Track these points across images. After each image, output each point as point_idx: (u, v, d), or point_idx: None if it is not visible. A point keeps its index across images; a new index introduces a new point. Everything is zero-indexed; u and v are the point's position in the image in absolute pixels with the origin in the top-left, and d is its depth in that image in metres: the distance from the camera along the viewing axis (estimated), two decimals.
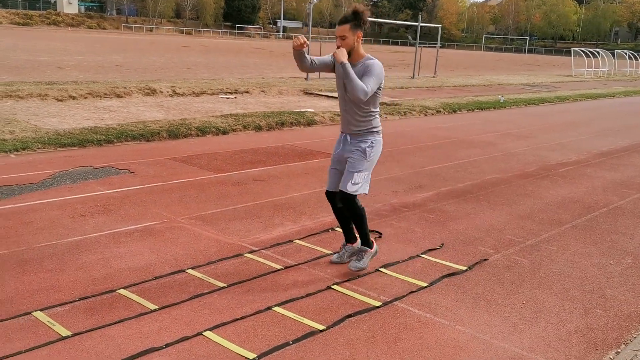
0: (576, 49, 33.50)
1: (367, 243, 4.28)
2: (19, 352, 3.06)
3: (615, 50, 38.35)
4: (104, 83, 14.64)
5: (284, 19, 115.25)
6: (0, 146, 7.67)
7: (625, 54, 38.23)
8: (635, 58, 37.89)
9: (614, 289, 4.29)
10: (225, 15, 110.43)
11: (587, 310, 3.93)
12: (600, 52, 34.98)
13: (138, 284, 3.97)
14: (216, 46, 47.77)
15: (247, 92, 15.93)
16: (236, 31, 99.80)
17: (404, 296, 3.98)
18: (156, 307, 3.64)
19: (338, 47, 3.92)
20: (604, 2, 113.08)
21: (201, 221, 5.36)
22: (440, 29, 26.48)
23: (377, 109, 4.13)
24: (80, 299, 3.70)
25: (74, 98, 12.58)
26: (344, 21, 3.96)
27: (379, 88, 4.00)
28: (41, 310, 3.53)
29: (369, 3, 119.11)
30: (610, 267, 4.74)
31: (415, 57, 23.24)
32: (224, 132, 10.03)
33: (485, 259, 4.74)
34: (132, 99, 13.32)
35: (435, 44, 26.24)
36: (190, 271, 4.22)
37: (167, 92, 14.47)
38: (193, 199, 6.03)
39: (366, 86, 3.83)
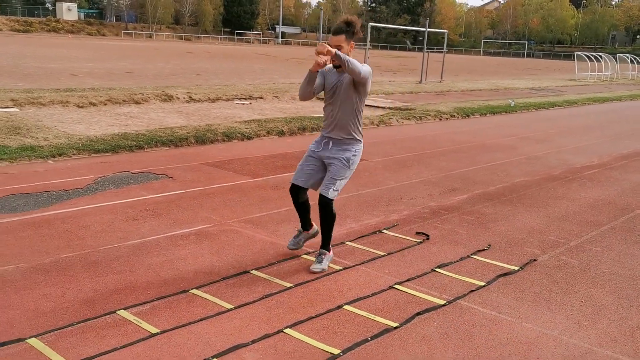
0: (579, 53, 33.75)
1: (327, 247, 4.46)
2: (115, 349, 3.18)
3: (617, 55, 38.65)
4: (121, 89, 14.77)
5: (282, 25, 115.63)
6: (38, 152, 7.78)
7: (627, 57, 38.51)
8: (637, 62, 38.16)
9: None
10: (225, 21, 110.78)
11: None
12: (603, 56, 35.25)
13: (208, 284, 4.09)
14: (219, 52, 47.96)
15: (261, 97, 16.09)
16: (235, 37, 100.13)
17: (465, 295, 4.11)
18: (232, 306, 3.76)
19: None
20: (601, 6, 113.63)
21: (251, 224, 5.48)
22: (446, 34, 26.68)
23: (361, 117, 4.32)
24: (158, 299, 3.82)
25: (94, 105, 12.71)
26: (339, 31, 4.08)
27: (366, 94, 4.25)
28: (124, 309, 3.65)
29: (367, 8, 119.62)
30: None
31: (423, 62, 23.41)
32: (249, 138, 10.16)
33: (535, 260, 4.87)
34: (150, 105, 13.45)
35: (438, 48, 26.44)
36: (254, 272, 4.35)
37: (184, 98, 14.61)
38: (237, 203, 6.15)
39: (363, 67, 4.03)
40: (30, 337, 3.27)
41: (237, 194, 6.52)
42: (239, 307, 3.76)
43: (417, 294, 4.09)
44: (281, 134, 10.73)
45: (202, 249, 4.77)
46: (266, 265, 4.50)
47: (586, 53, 34.83)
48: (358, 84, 4.14)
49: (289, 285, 4.14)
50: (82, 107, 12.41)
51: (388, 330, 3.55)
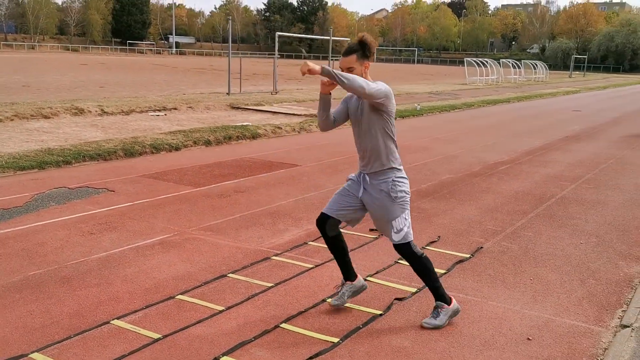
0: (469, 59, 36.03)
1: (441, 297, 3.77)
2: (123, 356, 3.23)
3: (501, 60, 41.58)
4: (26, 104, 14.08)
5: (175, 35, 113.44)
6: None
7: (509, 62, 41.53)
8: (518, 66, 41.26)
9: (594, 263, 5.05)
10: (114, 31, 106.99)
11: (582, 280, 4.63)
12: (489, 61, 37.81)
13: (191, 289, 4.18)
14: (114, 63, 46.37)
15: (175, 108, 15.91)
16: (127, 47, 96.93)
17: None
18: (222, 307, 3.90)
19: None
20: (480, 15, 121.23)
21: (210, 231, 5.58)
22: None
23: (395, 142, 3.73)
24: (147, 307, 3.87)
25: (0, 121, 12.06)
26: (350, 52, 3.62)
27: (390, 116, 3.65)
28: (117, 318, 3.68)
29: (261, 17, 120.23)
30: (582, 245, 5.52)
31: None
32: (177, 149, 10.12)
33: (481, 247, 5.36)
34: (61, 120, 12.97)
35: (336, 57, 27.21)
36: (231, 275, 4.48)
37: (96, 111, 14.19)
38: (189, 212, 6.21)
39: (365, 84, 3.42)
40: (32, 352, 3.24)
41: (186, 203, 6.56)
42: (230, 307, 3.90)
43: (389, 284, 4.41)
44: (208, 143, 10.76)
45: (171, 257, 4.83)
46: (240, 268, 4.64)
47: (474, 59, 37.19)
48: (378, 106, 3.57)
49: (269, 284, 4.32)
50: None
51: (375, 317, 3.84)
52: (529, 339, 3.62)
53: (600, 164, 10.03)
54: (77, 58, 55.20)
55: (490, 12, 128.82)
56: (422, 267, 3.74)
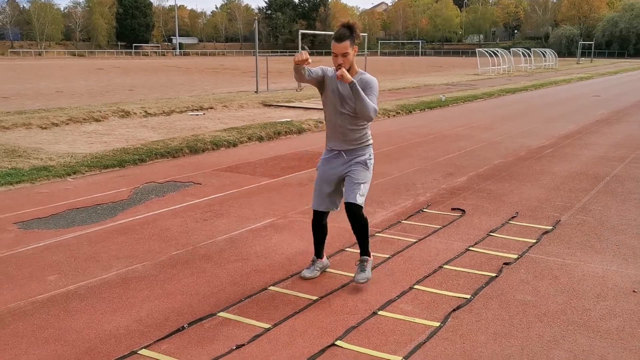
0: (480, 49, 36.40)
1: (368, 252, 4.31)
2: (293, 314, 3.78)
3: (511, 49, 41.97)
4: (76, 109, 14.64)
5: (179, 36, 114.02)
6: (53, 172, 7.93)
7: (519, 51, 41.93)
8: (529, 55, 41.67)
9: None
10: (119, 35, 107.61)
11: None
12: (500, 51, 38.23)
13: (329, 257, 4.72)
14: (128, 67, 46.94)
15: (211, 107, 16.45)
16: (132, 50, 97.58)
17: (527, 250, 5.01)
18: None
19: (339, 66, 3.86)
20: (482, 5, 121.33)
21: (309, 215, 6.11)
22: (366, 37, 28.03)
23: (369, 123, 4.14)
24: (292, 275, 4.43)
25: (56, 125, 12.64)
26: (343, 37, 3.83)
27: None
28: (274, 285, 4.24)
29: (264, 15, 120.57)
30: None
31: None
32: (234, 145, 10.66)
33: (559, 220, 5.90)
34: (111, 122, 13.53)
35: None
36: (349, 249, 5.03)
37: (140, 113, 14.75)
38: (279, 199, 6.75)
39: (374, 104, 3.88)
40: (219, 312, 3.80)
41: (273, 192, 7.11)
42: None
43: (492, 252, 4.95)
44: (260, 139, 11.30)
45: (287, 237, 5.38)
46: (354, 243, 5.18)
47: (485, 49, 37.61)
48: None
49: (387, 255, 4.86)
50: (45, 128, 12.32)
51: (491, 279, 4.37)
52: (634, 291, 4.16)
53: None
54: (88, 63, 55.81)
55: (491, 0, 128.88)
56: (365, 227, 4.20)
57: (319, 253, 4.47)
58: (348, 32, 3.85)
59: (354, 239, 5.23)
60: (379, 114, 15.14)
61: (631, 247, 5.09)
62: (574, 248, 5.07)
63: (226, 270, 4.56)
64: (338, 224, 5.75)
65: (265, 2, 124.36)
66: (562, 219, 5.93)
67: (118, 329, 3.61)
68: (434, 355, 3.29)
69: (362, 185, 4.08)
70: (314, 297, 4.04)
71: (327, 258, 4.67)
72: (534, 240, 5.26)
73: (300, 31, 21.94)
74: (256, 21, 20.09)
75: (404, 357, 3.25)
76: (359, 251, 4.36)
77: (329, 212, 4.37)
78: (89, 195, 6.93)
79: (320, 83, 4.08)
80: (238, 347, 3.37)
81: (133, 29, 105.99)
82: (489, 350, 3.34)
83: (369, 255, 4.31)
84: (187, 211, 6.26)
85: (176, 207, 6.43)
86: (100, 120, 13.56)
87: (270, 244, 5.19)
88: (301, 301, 4.00)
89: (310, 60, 3.75)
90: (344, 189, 4.18)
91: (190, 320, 3.69)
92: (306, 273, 4.41)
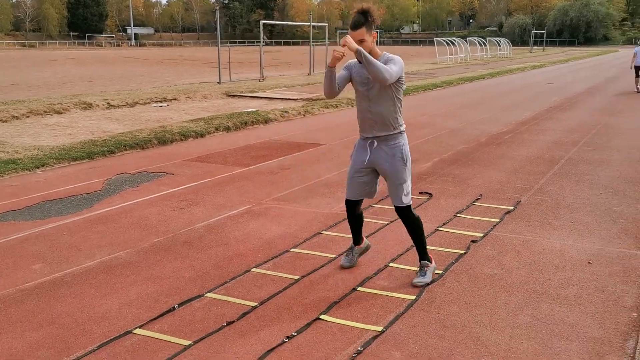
0: (438, 39, 37.05)
1: (426, 256, 4.21)
2: (277, 293, 3.99)
3: (468, 38, 42.81)
4: (36, 101, 14.43)
5: (134, 26, 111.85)
6: (21, 165, 7.90)
7: (475, 40, 42.81)
8: (484, 44, 42.58)
9: (618, 207, 6.00)
10: (70, 25, 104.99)
11: (614, 220, 5.57)
12: (457, 40, 38.97)
13: (299, 244, 4.95)
14: (84, 58, 45.97)
15: (175, 99, 16.42)
16: (86, 41, 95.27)
17: (491, 229, 5.34)
18: (335, 255, 4.68)
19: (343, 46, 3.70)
20: None
21: (283, 201, 6.33)
22: (326, 27, 28.22)
23: (401, 107, 4.00)
24: (273, 258, 4.63)
25: (17, 118, 12.48)
26: (358, 25, 3.76)
27: (401, 82, 3.91)
28: (256, 267, 4.44)
29: (221, 5, 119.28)
30: (602, 195, 6.48)
31: (310, 55, 24.73)
32: (202, 135, 10.75)
33: (520, 201, 6.26)
34: (73, 114, 13.42)
35: (294, 41, 27.85)
36: (325, 232, 5.27)
37: (103, 105, 14.64)
38: (252, 188, 6.93)
39: (390, 68, 3.70)
40: (206, 293, 3.99)
41: (245, 181, 7.27)
42: (339, 256, 4.69)
43: (459, 232, 5.26)
44: (228, 129, 11.42)
45: (265, 223, 5.57)
46: (330, 227, 5.42)
47: (443, 38, 38.27)
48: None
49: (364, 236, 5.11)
50: (5, 121, 12.14)
51: (460, 256, 4.67)
52: (589, 262, 4.52)
53: (591, 130, 11.08)
54: (41, 54, 54.36)
55: None
56: (419, 227, 4.13)
57: (356, 240, 4.45)
58: (363, 18, 3.76)
59: (330, 221, 5.49)
60: (343, 102, 15.40)
61: (585, 224, 5.47)
62: (533, 226, 5.43)
63: (208, 255, 4.73)
64: (313, 209, 5.98)
65: None
66: (522, 200, 6.30)
67: (110, 311, 3.75)
68: (412, 324, 3.56)
69: (403, 185, 3.99)
70: (296, 277, 4.26)
71: (306, 240, 4.88)
72: (498, 220, 5.59)
73: (262, 21, 21.96)
74: (217, 11, 20.03)
75: (384, 327, 3.51)
76: (336, 234, 4.59)
77: (361, 200, 4.26)
78: (62, 187, 6.97)
79: (348, 80, 4.00)
80: (229, 323, 3.57)
81: (85, 19, 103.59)
82: (461, 319, 3.62)
83: (429, 261, 4.19)
84: (164, 200, 6.38)
85: (152, 196, 6.54)
86: (62, 113, 13.42)
87: (249, 230, 5.38)
88: (284, 281, 4.21)
89: (344, 53, 3.70)
90: (388, 191, 4.14)
91: (179, 302, 3.87)
92: (344, 262, 4.40)
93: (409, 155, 4.04)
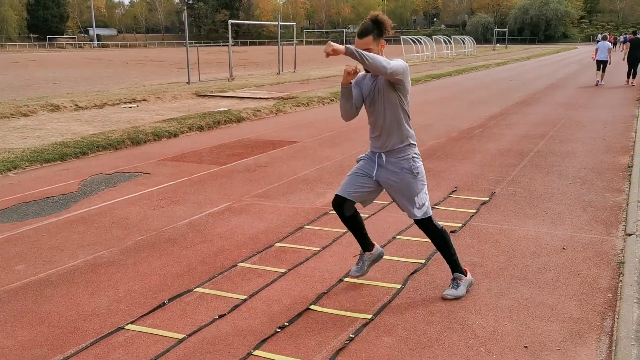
0: (405, 37, 37.47)
1: (459, 268, 3.91)
2: (265, 286, 4.06)
3: (433, 36, 43.34)
4: (2, 104, 14.13)
5: (96, 27, 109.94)
6: None
7: (441, 39, 43.38)
8: (449, 42, 43.18)
9: (587, 196, 6.23)
10: (30, 26, 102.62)
11: (584, 208, 5.78)
12: (423, 38, 39.45)
13: (283, 239, 5.02)
14: (47, 60, 45.05)
15: (144, 100, 16.27)
16: (47, 43, 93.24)
17: (469, 219, 5.50)
18: (319, 248, 4.77)
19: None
20: None
21: (263, 198, 6.39)
22: (294, 26, 28.28)
23: (409, 119, 3.81)
24: (258, 253, 4.69)
25: None
26: (365, 33, 3.59)
27: (407, 92, 3.73)
28: (242, 262, 4.49)
29: (185, 5, 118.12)
30: (571, 185, 6.71)
31: (279, 55, 24.77)
32: (175, 135, 10.71)
33: (494, 192, 6.44)
34: (40, 117, 13.21)
35: (261, 41, 27.87)
36: (308, 227, 5.34)
37: (71, 106, 14.43)
38: (231, 185, 6.96)
39: (386, 62, 3.44)
40: (195, 287, 4.03)
41: (223, 179, 7.30)
42: (325, 247, 4.77)
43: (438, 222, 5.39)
44: (200, 128, 11.39)
45: (246, 219, 5.62)
46: (311, 221, 5.49)
47: (411, 37, 38.71)
48: (396, 83, 3.61)
49: (343, 230, 5.20)
50: None
51: (435, 252, 4.80)
52: (564, 248, 4.71)
53: (556, 123, 11.41)
54: (0, 57, 53.03)
55: None
56: (442, 240, 3.85)
57: (364, 245, 4.03)
58: (372, 25, 3.59)
59: (312, 216, 5.57)
60: (314, 100, 15.49)
61: (557, 212, 5.67)
62: (509, 215, 5.60)
63: (193, 252, 4.76)
64: (293, 204, 6.05)
65: None
66: (496, 191, 6.48)
67: (99, 309, 3.76)
68: (400, 311, 3.66)
69: (415, 198, 3.74)
70: (283, 270, 4.33)
71: (290, 235, 4.95)
72: (474, 211, 5.75)
73: (230, 21, 21.89)
74: (185, 11, 19.89)
75: (373, 315, 3.61)
76: (318, 228, 4.65)
77: (352, 202, 3.83)
78: (36, 189, 6.89)
79: (362, 96, 3.80)
80: (220, 316, 3.62)
81: (46, 20, 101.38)
82: (446, 304, 3.75)
83: (464, 273, 3.91)
84: (142, 199, 6.37)
85: (130, 196, 6.52)
86: (28, 115, 13.20)
87: (231, 226, 5.42)
88: (270, 274, 4.28)
89: (360, 72, 3.58)
90: (399, 207, 3.91)
91: (169, 297, 3.90)
92: (354, 272, 4.05)
93: (421, 167, 3.78)
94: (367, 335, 3.37)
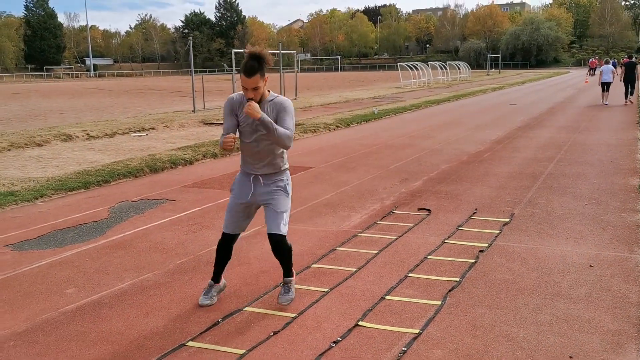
0: (402, 63, 38.08)
1: (291, 273, 4.33)
2: (314, 302, 4.24)
3: (429, 62, 44.05)
4: (14, 134, 14.36)
5: (92, 57, 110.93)
6: (20, 197, 7.95)
7: (437, 64, 44.09)
8: (445, 67, 43.87)
9: (605, 216, 6.46)
10: (27, 57, 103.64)
11: (604, 228, 6.01)
12: (419, 64, 40.09)
13: (319, 260, 5.22)
14: (48, 90, 45.43)
15: (153, 128, 16.54)
16: (44, 73, 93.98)
17: (494, 239, 5.71)
18: (355, 269, 4.97)
19: (249, 99, 3.75)
20: (395, 21, 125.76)
21: (291, 222, 6.54)
22: (296, 55, 28.78)
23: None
24: (298, 273, 4.88)
25: None
26: (253, 72, 3.69)
27: None
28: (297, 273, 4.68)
29: (181, 35, 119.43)
30: (588, 206, 6.95)
31: (281, 83, 25.15)
32: (191, 162, 10.94)
33: (513, 213, 6.67)
34: (54, 146, 13.40)
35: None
36: (340, 249, 5.55)
37: (83, 136, 14.66)
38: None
39: (289, 130, 3.80)
40: (245, 307, 4.22)
41: None
42: (360, 268, 4.97)
43: (465, 243, 5.61)
44: (215, 156, 11.62)
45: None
46: (346, 240, 5.70)
47: (408, 63, 39.34)
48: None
49: (375, 251, 5.41)
50: None
51: (472, 265, 5.02)
52: (591, 265, 4.92)
53: (562, 146, 11.70)
54: (5, 87, 53.41)
55: (403, 17, 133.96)
56: (289, 252, 4.20)
57: (217, 277, 4.35)
58: (257, 64, 3.69)
59: (341, 239, 5.77)
60: (320, 127, 15.78)
61: (578, 231, 5.90)
62: (531, 235, 5.82)
63: (234, 274, 4.95)
64: (321, 227, 6.24)
65: (182, 22, 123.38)
66: (516, 212, 6.71)
67: (157, 327, 3.94)
68: (445, 325, 3.85)
69: (284, 214, 4.06)
70: (325, 289, 4.52)
71: (324, 256, 5.14)
72: (498, 231, 5.98)
73: (234, 50, 22.29)
74: (190, 40, 20.33)
75: (420, 329, 3.80)
76: (350, 249, 4.84)
77: (238, 235, 4.31)
78: (67, 216, 7.07)
79: (237, 126, 3.99)
80: (275, 333, 3.80)
81: (43, 51, 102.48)
82: (488, 319, 3.94)
83: (292, 276, 4.33)
84: (173, 225, 6.56)
85: (160, 222, 6.71)
86: (42, 145, 13.40)
87: (266, 249, 5.59)
88: (314, 293, 4.47)
89: (237, 139, 3.84)
90: (265, 219, 4.14)
91: (221, 316, 4.08)
92: (203, 300, 4.26)
93: (291, 189, 4.19)
94: (417, 349, 3.56)
